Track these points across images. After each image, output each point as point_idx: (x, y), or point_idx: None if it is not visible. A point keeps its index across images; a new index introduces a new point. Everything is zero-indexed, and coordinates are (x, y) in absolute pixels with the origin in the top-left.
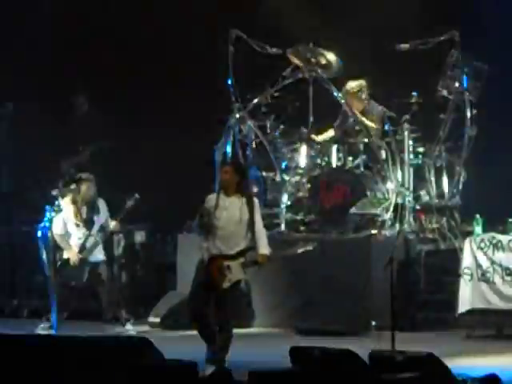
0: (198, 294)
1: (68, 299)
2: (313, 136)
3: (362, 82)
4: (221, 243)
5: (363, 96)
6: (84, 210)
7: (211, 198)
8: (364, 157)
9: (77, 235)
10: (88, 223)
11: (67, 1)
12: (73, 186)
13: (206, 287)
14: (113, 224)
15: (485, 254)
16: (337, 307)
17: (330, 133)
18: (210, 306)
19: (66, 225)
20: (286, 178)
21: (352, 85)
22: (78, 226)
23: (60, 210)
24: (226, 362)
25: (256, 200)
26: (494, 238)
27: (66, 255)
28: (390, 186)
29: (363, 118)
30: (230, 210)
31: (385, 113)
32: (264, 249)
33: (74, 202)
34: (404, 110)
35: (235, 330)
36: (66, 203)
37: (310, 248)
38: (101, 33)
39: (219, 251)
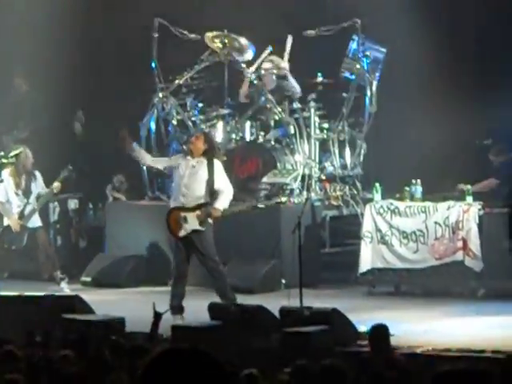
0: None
1: (8, 261)
2: None
3: (279, 61)
4: (183, 198)
5: (274, 77)
6: (23, 180)
7: (177, 157)
8: (274, 132)
9: (16, 203)
10: (26, 192)
11: None
12: (12, 159)
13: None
14: (55, 185)
15: (383, 218)
16: (251, 267)
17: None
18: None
19: (7, 193)
20: None
21: (267, 65)
22: (17, 195)
23: (1, 181)
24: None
25: (218, 163)
26: (391, 204)
27: (6, 222)
28: (298, 158)
29: (271, 97)
30: (193, 169)
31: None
32: (218, 204)
33: (14, 173)
34: (310, 89)
35: (161, 289)
36: (6, 174)
37: (247, 208)
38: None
39: (181, 204)
